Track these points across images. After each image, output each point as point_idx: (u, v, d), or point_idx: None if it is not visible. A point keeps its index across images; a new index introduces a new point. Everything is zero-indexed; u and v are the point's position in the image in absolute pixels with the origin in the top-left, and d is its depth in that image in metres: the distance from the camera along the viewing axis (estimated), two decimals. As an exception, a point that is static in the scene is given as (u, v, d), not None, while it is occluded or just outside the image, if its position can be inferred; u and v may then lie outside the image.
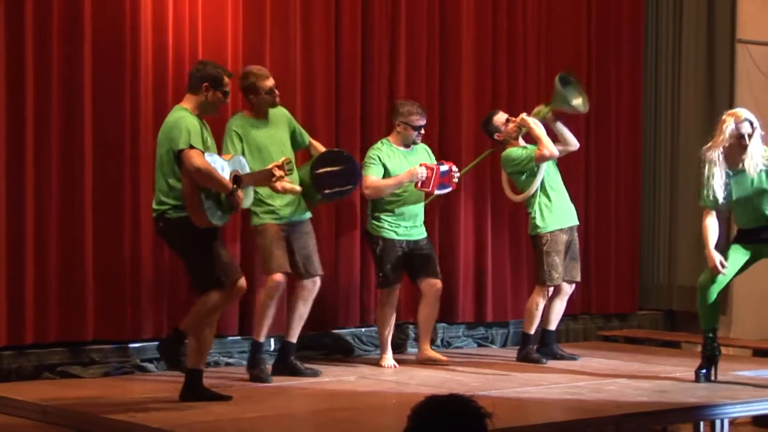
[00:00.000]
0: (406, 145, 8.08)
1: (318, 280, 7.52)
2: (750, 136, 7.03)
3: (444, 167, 7.92)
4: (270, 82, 7.40)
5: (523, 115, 8.20)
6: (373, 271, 8.36)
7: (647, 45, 10.10)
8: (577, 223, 8.39)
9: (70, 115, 7.45)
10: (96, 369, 7.50)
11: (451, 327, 9.06)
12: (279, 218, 7.40)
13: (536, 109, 8.29)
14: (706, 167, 7.12)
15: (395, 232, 8.01)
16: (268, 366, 7.49)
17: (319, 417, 6.30)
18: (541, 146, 8.08)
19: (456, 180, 8.03)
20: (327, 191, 7.52)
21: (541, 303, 8.23)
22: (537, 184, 8.16)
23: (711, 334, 7.26)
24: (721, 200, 7.11)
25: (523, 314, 8.50)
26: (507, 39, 9.28)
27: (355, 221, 8.56)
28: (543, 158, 8.10)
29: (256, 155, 7.30)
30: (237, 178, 6.44)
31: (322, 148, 7.77)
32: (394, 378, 7.47)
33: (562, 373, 7.61)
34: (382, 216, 8.02)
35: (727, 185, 7.08)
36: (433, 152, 8.38)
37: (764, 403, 6.89)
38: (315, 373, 7.46)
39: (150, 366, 7.67)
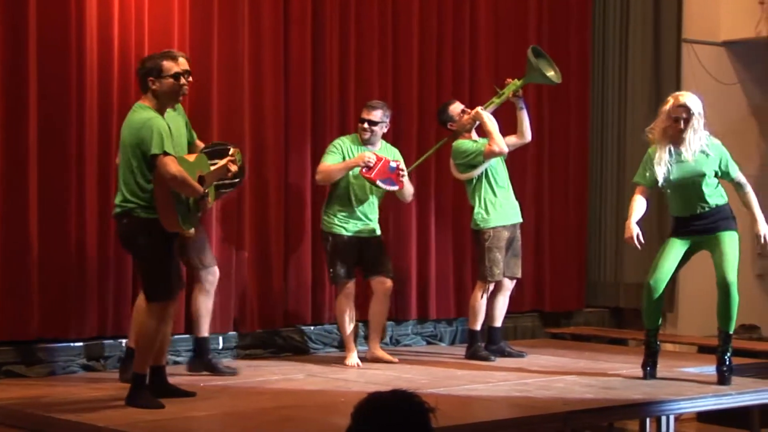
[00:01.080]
0: (371, 143, 8.08)
1: (216, 271, 7.42)
2: (686, 121, 7.00)
3: (393, 164, 7.93)
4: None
5: (479, 109, 8.23)
6: (324, 269, 8.37)
7: (595, 45, 10.15)
8: (521, 220, 8.42)
9: (14, 111, 7.37)
10: (41, 368, 7.42)
11: (400, 325, 9.07)
12: None
13: (502, 92, 8.29)
14: (651, 147, 7.14)
15: (344, 228, 8.02)
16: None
17: (266, 415, 6.23)
18: (492, 142, 8.11)
19: (403, 179, 8.01)
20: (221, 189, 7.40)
21: (483, 299, 8.25)
22: (478, 173, 8.20)
23: (653, 333, 7.28)
24: (661, 182, 7.08)
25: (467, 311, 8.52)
26: (452, 41, 9.30)
27: (305, 218, 8.54)
28: (492, 154, 8.12)
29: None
30: (200, 179, 6.39)
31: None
32: (343, 376, 7.47)
33: (510, 371, 7.61)
34: (333, 212, 8.03)
35: (668, 167, 7.05)
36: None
37: (709, 399, 6.94)
38: (233, 372, 7.39)
39: (96, 365, 7.61)
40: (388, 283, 8.09)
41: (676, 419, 7.08)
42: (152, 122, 6.18)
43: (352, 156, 8.00)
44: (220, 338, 8.11)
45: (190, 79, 6.47)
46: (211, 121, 7.97)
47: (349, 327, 7.97)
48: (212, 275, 7.37)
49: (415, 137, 9.10)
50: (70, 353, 7.56)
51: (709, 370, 7.56)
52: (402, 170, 8.01)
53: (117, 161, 6.65)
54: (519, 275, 8.46)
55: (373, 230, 8.13)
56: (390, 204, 8.80)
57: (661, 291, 7.17)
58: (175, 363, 7.74)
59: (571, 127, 10.00)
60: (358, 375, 7.48)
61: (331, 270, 8.02)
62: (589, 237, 10.17)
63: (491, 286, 8.28)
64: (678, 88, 9.67)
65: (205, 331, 7.40)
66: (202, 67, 7.79)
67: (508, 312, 8.57)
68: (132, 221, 6.27)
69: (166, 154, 6.12)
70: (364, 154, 7.87)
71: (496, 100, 8.31)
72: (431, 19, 9.18)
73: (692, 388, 7.07)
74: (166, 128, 6.21)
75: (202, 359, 7.40)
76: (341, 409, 6.21)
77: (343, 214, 8.00)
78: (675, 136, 7.02)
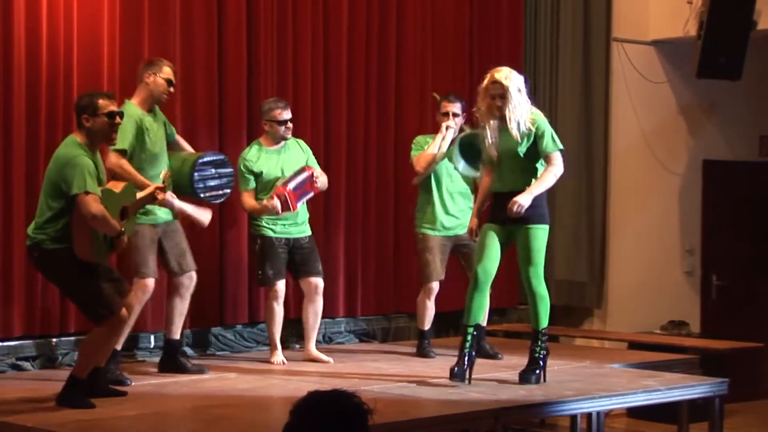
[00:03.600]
0: (278, 143, 8.04)
1: (194, 275, 7.48)
2: (502, 97, 6.87)
3: (301, 177, 7.89)
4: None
5: (450, 124, 8.17)
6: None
7: (526, 44, 10.13)
8: (460, 234, 8.27)
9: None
10: (-31, 369, 7.33)
11: (332, 322, 9.04)
12: (155, 220, 7.34)
13: (465, 132, 8.17)
14: (482, 128, 7.05)
15: (272, 229, 7.99)
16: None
17: (198, 414, 6.21)
18: (420, 158, 8.20)
19: (316, 182, 7.97)
20: (208, 195, 7.50)
21: (423, 300, 8.33)
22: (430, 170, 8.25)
23: (472, 331, 6.98)
24: (493, 154, 6.98)
25: (397, 309, 8.63)
26: (378, 43, 9.26)
27: (241, 220, 8.50)
28: (413, 165, 8.26)
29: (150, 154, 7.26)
30: (124, 210, 6.40)
31: (186, 145, 7.64)
32: (277, 375, 7.45)
33: (444, 369, 7.46)
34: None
35: (496, 141, 6.95)
36: (321, 151, 8.33)
37: (639, 395, 6.95)
38: (202, 370, 7.44)
39: (26, 365, 7.52)
40: (317, 283, 8.08)
41: (606, 415, 7.12)
42: (77, 160, 6.15)
43: (262, 163, 7.94)
44: (152, 337, 8.07)
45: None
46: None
47: (276, 327, 7.97)
48: (189, 279, 7.43)
49: (344, 135, 9.10)
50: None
51: (638, 367, 7.64)
52: (315, 177, 7.96)
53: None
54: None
55: (303, 231, 8.11)
56: (322, 204, 8.81)
57: (488, 282, 7.01)
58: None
59: None
60: (292, 374, 7.45)
61: (260, 272, 8.01)
62: None
63: (432, 288, 8.32)
64: (607, 87, 9.92)
65: (176, 333, 7.48)
66: (130, 66, 7.70)
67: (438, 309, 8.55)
68: (41, 254, 6.27)
69: (87, 193, 6.10)
70: (268, 206, 7.81)
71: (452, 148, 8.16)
72: (360, 18, 9.18)
73: (623, 384, 7.08)
74: (91, 166, 6.19)
75: (171, 360, 7.45)
76: (273, 407, 6.32)
77: (271, 216, 7.97)
78: (497, 113, 6.90)
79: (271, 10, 8.65)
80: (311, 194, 8.02)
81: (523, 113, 6.90)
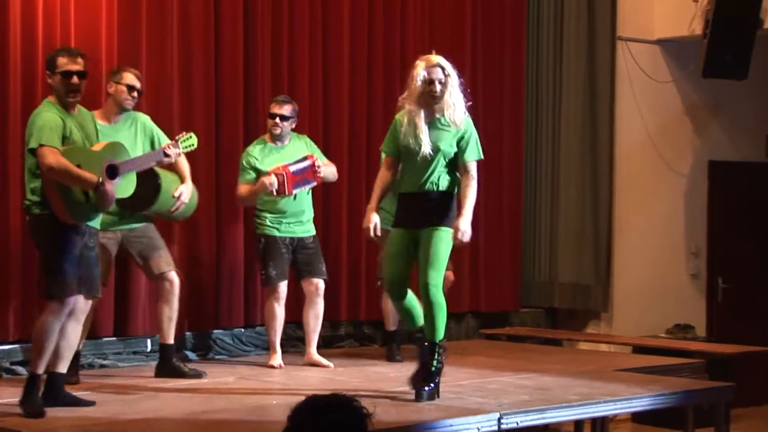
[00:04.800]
0: (278, 139, 7.97)
1: (173, 277, 7.34)
2: (442, 83, 6.39)
3: (303, 164, 7.81)
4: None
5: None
6: (257, 270, 8.26)
7: (529, 44, 10.12)
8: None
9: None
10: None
11: (332, 325, 8.99)
12: (110, 228, 7.18)
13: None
14: (405, 117, 6.44)
15: (277, 228, 7.93)
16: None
17: (194, 419, 6.12)
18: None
19: (319, 172, 7.87)
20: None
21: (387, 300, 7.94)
22: None
23: (420, 335, 6.54)
24: (400, 147, 6.44)
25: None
26: (384, 36, 9.24)
27: (237, 217, 8.46)
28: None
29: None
30: (112, 168, 6.25)
31: (183, 167, 7.40)
32: (275, 379, 7.39)
33: (444, 371, 7.41)
34: (264, 213, 7.95)
35: (413, 134, 6.37)
36: (318, 147, 8.30)
37: (644, 399, 6.93)
38: (199, 375, 7.38)
39: (19, 369, 7.45)
40: (319, 284, 8.01)
41: (611, 420, 7.05)
42: (39, 117, 6.10)
43: (264, 159, 7.89)
44: (149, 341, 8.01)
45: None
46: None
47: (277, 330, 7.89)
48: (169, 283, 7.33)
49: (346, 133, 9.07)
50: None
51: (643, 371, 7.62)
52: (318, 166, 7.86)
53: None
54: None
55: (307, 230, 8.04)
56: (323, 203, 8.74)
57: (402, 292, 6.49)
58: (102, 366, 7.73)
59: (504, 125, 9.96)
60: (290, 378, 7.41)
61: (263, 272, 7.95)
62: (524, 237, 10.14)
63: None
64: (612, 87, 9.88)
65: (168, 337, 7.40)
66: (129, 65, 7.62)
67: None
68: (31, 219, 6.24)
69: (42, 146, 6.01)
70: (264, 182, 7.72)
71: None
72: (362, 16, 9.15)
73: (627, 388, 7.04)
74: (52, 121, 6.07)
75: (167, 364, 7.41)
76: (272, 412, 6.22)
77: (274, 215, 7.89)
78: (431, 102, 6.37)
79: (268, 4, 8.63)
80: (314, 183, 7.92)
81: (459, 107, 6.43)
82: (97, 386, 6.88)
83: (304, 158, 7.85)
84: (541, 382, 7.24)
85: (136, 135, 7.21)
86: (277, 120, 7.89)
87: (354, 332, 9.16)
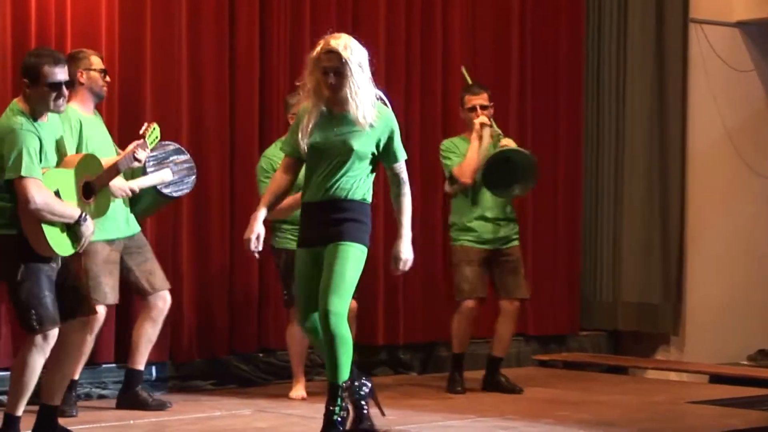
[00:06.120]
0: None
1: (167, 296, 7.18)
2: (338, 74, 5.64)
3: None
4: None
5: (483, 120, 7.66)
6: (273, 289, 8.08)
7: (589, 27, 9.77)
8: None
9: None
10: None
11: (364, 350, 8.46)
12: (110, 236, 6.94)
13: (503, 142, 7.70)
14: (301, 106, 5.82)
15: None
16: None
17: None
18: (464, 168, 7.70)
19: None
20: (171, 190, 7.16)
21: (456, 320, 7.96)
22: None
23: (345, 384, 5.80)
24: (303, 147, 5.72)
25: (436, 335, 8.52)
26: (421, 26, 8.91)
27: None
28: (457, 178, 7.73)
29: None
30: (88, 186, 5.97)
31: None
32: (298, 411, 7.12)
33: (491, 405, 7.37)
34: (285, 226, 7.50)
35: (314, 131, 5.74)
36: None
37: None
38: (162, 406, 7.13)
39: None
40: (353, 305, 7.43)
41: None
42: (16, 136, 5.68)
43: None
44: (153, 368, 7.73)
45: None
46: (142, 124, 7.45)
47: (300, 355, 7.63)
48: (162, 301, 7.18)
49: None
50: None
51: (722, 404, 7.40)
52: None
53: None
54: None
55: (332, 242, 7.52)
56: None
57: (315, 328, 5.80)
58: (100, 396, 7.52)
59: (561, 124, 9.61)
60: (315, 410, 6.77)
61: (286, 291, 7.54)
62: (584, 252, 9.81)
63: (464, 306, 7.90)
64: (684, 76, 9.59)
65: (140, 363, 7.20)
66: (131, 61, 7.62)
67: (488, 337, 8.20)
68: None
69: (22, 178, 5.64)
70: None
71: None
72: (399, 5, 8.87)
73: (703, 423, 6.87)
74: (31, 144, 5.71)
75: (132, 394, 7.19)
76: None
77: (296, 226, 7.22)
78: (334, 93, 5.70)
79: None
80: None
81: (367, 99, 5.69)
82: (96, 420, 6.77)
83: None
84: (602, 416, 7.04)
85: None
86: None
87: (388, 359, 8.83)
